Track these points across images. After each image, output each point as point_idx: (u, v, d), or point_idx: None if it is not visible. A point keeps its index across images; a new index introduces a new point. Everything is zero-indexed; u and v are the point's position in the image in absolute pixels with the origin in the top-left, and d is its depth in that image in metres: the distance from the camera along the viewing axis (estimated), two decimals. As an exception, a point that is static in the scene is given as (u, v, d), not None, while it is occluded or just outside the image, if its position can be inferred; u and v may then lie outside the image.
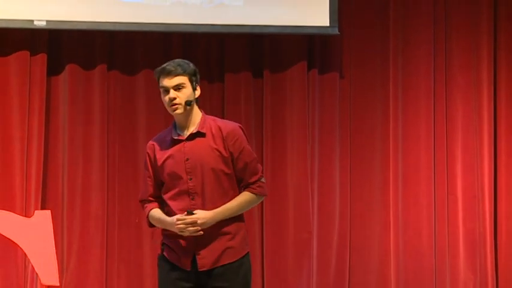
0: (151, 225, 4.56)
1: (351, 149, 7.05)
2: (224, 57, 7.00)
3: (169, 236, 4.44)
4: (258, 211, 6.94)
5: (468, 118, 7.23)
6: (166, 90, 4.40)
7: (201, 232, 4.26)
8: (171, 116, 6.89)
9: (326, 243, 6.81)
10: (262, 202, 6.64)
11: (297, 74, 6.99)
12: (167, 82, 4.39)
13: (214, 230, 4.38)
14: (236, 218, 4.47)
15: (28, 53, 6.64)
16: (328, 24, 6.81)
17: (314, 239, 6.81)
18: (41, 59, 6.67)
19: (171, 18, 6.72)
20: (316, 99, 7.05)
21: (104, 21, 6.66)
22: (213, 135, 4.43)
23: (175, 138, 4.45)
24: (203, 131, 4.44)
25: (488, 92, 7.23)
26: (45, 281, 6.09)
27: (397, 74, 7.11)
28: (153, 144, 4.53)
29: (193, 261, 4.41)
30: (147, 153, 4.54)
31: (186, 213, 4.27)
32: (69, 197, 6.76)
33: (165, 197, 4.48)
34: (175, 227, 4.27)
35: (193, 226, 4.27)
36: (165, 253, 4.49)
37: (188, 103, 4.39)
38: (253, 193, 4.43)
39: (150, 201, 4.54)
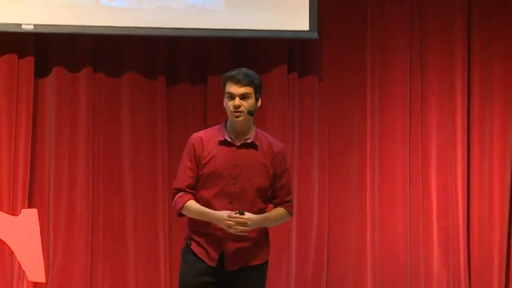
0: (180, 215, 4.62)
1: (329, 150, 7.08)
2: (207, 60, 7.02)
3: (200, 233, 4.57)
4: None
5: (442, 122, 7.26)
6: (232, 97, 4.54)
7: (246, 233, 4.42)
8: (155, 118, 6.76)
9: (305, 240, 6.88)
10: None
11: (278, 76, 7.02)
12: (235, 89, 4.53)
13: (242, 236, 4.53)
14: (259, 229, 4.61)
15: (16, 56, 6.68)
16: (307, 29, 6.85)
17: (293, 236, 6.84)
18: (29, 61, 6.71)
19: (156, 23, 6.77)
20: (296, 101, 7.08)
21: (90, 25, 6.69)
22: (263, 150, 4.61)
23: (229, 141, 4.59)
24: (256, 143, 4.61)
25: (461, 97, 7.25)
26: (32, 277, 6.19)
27: (374, 78, 7.17)
28: (201, 138, 4.64)
29: (220, 260, 4.56)
30: (193, 145, 4.64)
31: (237, 212, 4.42)
32: (55, 196, 6.80)
33: (203, 193, 4.59)
34: (225, 222, 4.40)
35: (242, 226, 4.43)
36: (192, 247, 4.58)
37: (250, 112, 4.56)
38: (287, 210, 4.63)
39: (186, 192, 4.61)
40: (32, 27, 6.59)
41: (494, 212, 7.23)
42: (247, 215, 4.44)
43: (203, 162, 4.59)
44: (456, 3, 7.25)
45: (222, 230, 4.55)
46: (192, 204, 4.58)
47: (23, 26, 6.56)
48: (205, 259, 4.57)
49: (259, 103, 4.61)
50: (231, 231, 4.42)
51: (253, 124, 4.64)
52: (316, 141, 7.07)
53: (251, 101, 4.57)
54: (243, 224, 4.44)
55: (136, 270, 6.89)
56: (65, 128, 6.83)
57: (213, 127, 4.72)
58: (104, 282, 6.84)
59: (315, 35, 6.82)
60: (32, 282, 6.56)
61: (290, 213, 4.70)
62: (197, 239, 4.60)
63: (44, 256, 6.24)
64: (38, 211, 6.22)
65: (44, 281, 6.30)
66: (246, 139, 4.61)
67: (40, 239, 6.17)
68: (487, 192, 7.25)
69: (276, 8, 6.87)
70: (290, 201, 4.70)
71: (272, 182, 4.63)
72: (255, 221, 4.49)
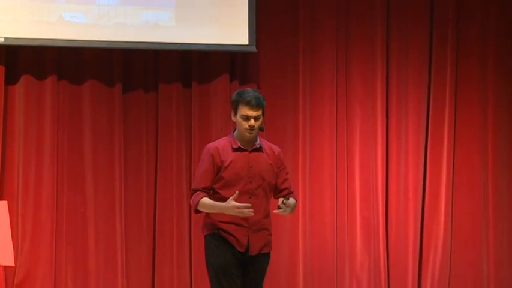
0: (197, 211, 5.02)
1: None
2: (158, 70, 7.18)
3: (228, 223, 4.97)
4: (187, 203, 7.01)
5: (364, 124, 7.49)
6: (248, 118, 4.96)
7: (252, 213, 4.82)
8: (113, 120, 7.00)
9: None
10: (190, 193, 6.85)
11: (221, 84, 7.24)
12: (250, 113, 4.96)
13: (261, 225, 5.03)
14: (270, 221, 5.11)
15: (-13, 65, 6.83)
16: (247, 43, 7.08)
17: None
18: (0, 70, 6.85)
19: (113, 37, 6.94)
20: None
21: (55, 38, 6.83)
22: (267, 153, 5.09)
23: (243, 147, 5.04)
24: (262, 147, 5.08)
25: (381, 103, 7.49)
26: (2, 261, 6.37)
27: (305, 85, 7.39)
28: (217, 148, 5.04)
29: (247, 246, 5.01)
30: (212, 154, 5.01)
31: (284, 198, 4.89)
32: (23, 190, 6.95)
33: (225, 193, 4.98)
34: (235, 210, 4.78)
35: (285, 210, 4.88)
36: (222, 235, 4.97)
37: (262, 128, 5.06)
38: (296, 199, 5.12)
39: (202, 191, 5.00)
40: (2, 39, 6.76)
41: (409, 204, 7.48)
42: (291, 200, 4.94)
43: (224, 165, 5.00)
44: (377, 16, 7.47)
45: (247, 220, 4.96)
46: (205, 200, 4.97)
47: (-5, 39, 6.74)
48: (236, 245, 4.98)
49: (263, 120, 5.03)
50: (241, 215, 4.81)
51: (256, 133, 5.07)
52: (255, 142, 7.39)
53: (261, 120, 5.03)
54: (292, 207, 4.96)
55: (96, 255, 7.05)
56: (33, 129, 6.96)
57: (223, 138, 5.13)
58: (67, 265, 7.01)
59: (253, 49, 7.09)
60: (2, 266, 6.70)
61: (296, 201, 5.12)
62: (226, 228, 4.98)
63: (13, 242, 6.47)
64: (8, 203, 6.54)
65: (13, 264, 6.52)
66: (255, 145, 5.05)
67: (9, 228, 6.42)
68: (403, 187, 7.49)
69: (219, 25, 7.07)
70: (293, 193, 5.16)
71: (276, 178, 5.09)
72: (291, 206, 4.96)
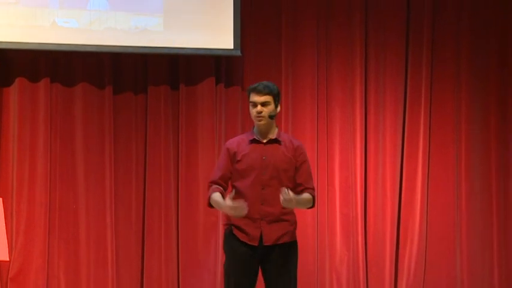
0: (210, 205, 4.95)
1: None
2: (147, 73, 7.24)
3: (238, 218, 4.87)
4: (175, 199, 7.21)
5: (344, 124, 7.54)
6: (255, 105, 4.89)
7: (246, 211, 4.70)
8: (104, 121, 7.01)
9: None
10: (178, 192, 7.16)
11: (207, 87, 7.29)
12: (257, 98, 4.88)
13: (278, 216, 4.89)
14: (290, 211, 4.95)
15: (-18, 68, 6.84)
16: (232, 47, 7.15)
17: (220, 221, 6.99)
18: (-5, 73, 6.88)
19: (104, 41, 7.00)
20: (223, 108, 7.34)
21: (48, 42, 6.90)
22: (286, 145, 4.95)
23: (257, 139, 4.95)
24: (280, 139, 4.98)
25: (360, 104, 7.55)
26: None
27: (287, 88, 7.45)
28: (234, 142, 5.00)
29: (260, 239, 4.91)
30: (227, 148, 4.97)
31: (286, 190, 4.68)
32: (17, 187, 7.00)
33: (238, 184, 4.94)
34: (228, 208, 4.73)
35: (289, 202, 4.70)
36: (234, 232, 4.92)
37: (271, 116, 4.91)
38: (312, 196, 4.96)
39: (217, 184, 4.95)
40: (-2, 44, 6.78)
41: (387, 201, 7.54)
42: (291, 194, 4.70)
43: (238, 158, 4.92)
44: (356, 21, 7.53)
45: (259, 212, 4.87)
46: (214, 195, 4.89)
47: (-10, 43, 6.73)
48: (247, 240, 4.90)
49: (278, 109, 4.93)
50: (234, 214, 4.75)
51: (276, 126, 4.99)
52: (240, 142, 7.44)
53: (271, 107, 4.90)
54: (290, 200, 4.70)
55: (87, 249, 7.10)
56: (26, 130, 7.01)
57: (243, 133, 5.14)
58: (60, 260, 7.05)
59: (238, 53, 7.16)
60: (-4, 261, 6.72)
61: (314, 200, 4.95)
62: (237, 224, 4.91)
63: (7, 238, 6.58)
64: (3, 200, 6.62)
65: (7, 259, 6.64)
66: (271, 137, 4.96)
67: (4, 224, 6.52)
68: (381, 185, 7.54)
69: (206, 30, 7.12)
70: (313, 189, 4.97)
71: (295, 172, 4.93)
72: (296, 199, 4.75)
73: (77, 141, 7.19)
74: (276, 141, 5.00)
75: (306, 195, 4.95)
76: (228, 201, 4.79)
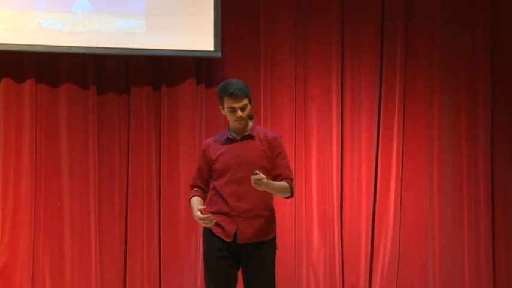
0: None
1: None
2: (130, 74, 7.29)
3: (217, 213, 4.91)
4: (157, 197, 7.27)
5: (321, 124, 7.60)
6: (234, 110, 4.87)
7: (213, 223, 4.72)
8: (87, 121, 7.05)
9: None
10: (159, 189, 7.21)
11: (188, 87, 7.34)
12: (235, 104, 4.85)
13: (254, 213, 4.87)
14: (269, 208, 4.92)
15: (-31, 69, 6.85)
16: (213, 49, 7.21)
17: None
18: (-19, 74, 6.88)
19: (88, 43, 7.06)
20: (203, 108, 7.39)
21: (33, 44, 6.95)
22: (260, 139, 4.92)
23: (231, 137, 4.94)
24: (253, 134, 4.95)
25: (336, 103, 7.63)
26: None
27: (266, 87, 7.51)
28: (209, 143, 4.99)
29: (235, 236, 4.91)
30: (203, 150, 4.98)
31: (254, 173, 4.66)
32: (3, 186, 7.04)
33: (216, 183, 4.93)
34: (199, 221, 4.78)
35: (260, 184, 4.63)
36: (212, 227, 4.89)
37: (250, 117, 4.95)
38: (289, 185, 4.92)
39: (196, 187, 5.01)
40: (-16, 45, 6.78)
41: (362, 197, 7.61)
42: (261, 174, 4.67)
43: (213, 159, 4.92)
44: (332, 21, 7.60)
45: (236, 209, 4.86)
46: (192, 200, 4.97)
47: (-24, 45, 6.73)
48: (223, 236, 4.89)
49: (251, 106, 4.94)
50: (202, 224, 4.81)
51: (250, 121, 4.96)
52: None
53: (248, 108, 4.93)
54: (260, 180, 4.64)
55: (71, 246, 7.18)
56: (12, 128, 7.05)
57: (219, 133, 5.11)
58: (45, 256, 7.11)
59: (218, 54, 7.21)
60: (-17, 257, 6.74)
61: (291, 189, 4.91)
62: (216, 219, 4.87)
63: None
64: None
65: None
66: (245, 133, 4.94)
67: None
68: (356, 182, 7.62)
69: (187, 33, 7.17)
70: (291, 179, 4.92)
71: (272, 164, 4.90)
72: (267, 183, 4.67)
73: (61, 140, 7.23)
74: (249, 136, 5.00)
75: (282, 183, 4.91)
76: (198, 213, 4.85)
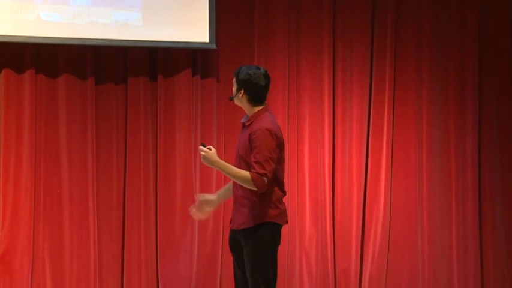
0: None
1: (225, 138, 7.41)
2: (127, 65, 7.31)
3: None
4: (153, 184, 7.29)
5: (313, 114, 7.65)
6: None
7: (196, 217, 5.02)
8: (86, 111, 7.18)
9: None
10: (156, 177, 7.27)
11: (184, 78, 7.37)
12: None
13: (241, 202, 4.92)
14: (250, 196, 4.86)
15: (-31, 59, 6.85)
16: (208, 41, 7.25)
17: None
18: (-19, 64, 6.88)
19: (86, 34, 7.08)
20: (199, 98, 7.43)
21: (33, 35, 6.97)
22: (251, 129, 4.87)
23: (242, 122, 5.03)
24: (247, 123, 4.94)
25: (328, 94, 7.68)
26: None
27: None
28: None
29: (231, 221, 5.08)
30: None
31: (201, 144, 4.71)
32: (4, 173, 7.07)
33: None
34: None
35: (204, 158, 4.70)
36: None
37: (230, 98, 4.96)
38: (251, 175, 4.79)
39: None
40: (-16, 37, 6.80)
41: (353, 185, 7.67)
42: (209, 151, 4.71)
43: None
44: (324, 14, 7.62)
45: (234, 196, 4.94)
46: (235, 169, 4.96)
47: (-23, 36, 6.71)
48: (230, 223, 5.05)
49: (240, 94, 4.89)
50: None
51: (255, 111, 4.92)
52: (215, 130, 7.44)
53: (234, 89, 4.95)
54: (203, 153, 4.72)
55: (70, 232, 7.22)
56: (12, 118, 7.07)
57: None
58: (44, 242, 7.15)
59: (213, 46, 7.25)
60: (-16, 242, 6.78)
61: (252, 179, 4.75)
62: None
63: None
64: None
65: None
66: (245, 122, 4.98)
67: None
68: (347, 170, 7.67)
69: (182, 25, 7.21)
70: (259, 173, 4.75)
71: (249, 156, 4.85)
72: (210, 157, 4.71)
73: (60, 129, 7.26)
74: (244, 126, 5.07)
75: (240, 170, 4.84)
76: (202, 197, 5.11)
